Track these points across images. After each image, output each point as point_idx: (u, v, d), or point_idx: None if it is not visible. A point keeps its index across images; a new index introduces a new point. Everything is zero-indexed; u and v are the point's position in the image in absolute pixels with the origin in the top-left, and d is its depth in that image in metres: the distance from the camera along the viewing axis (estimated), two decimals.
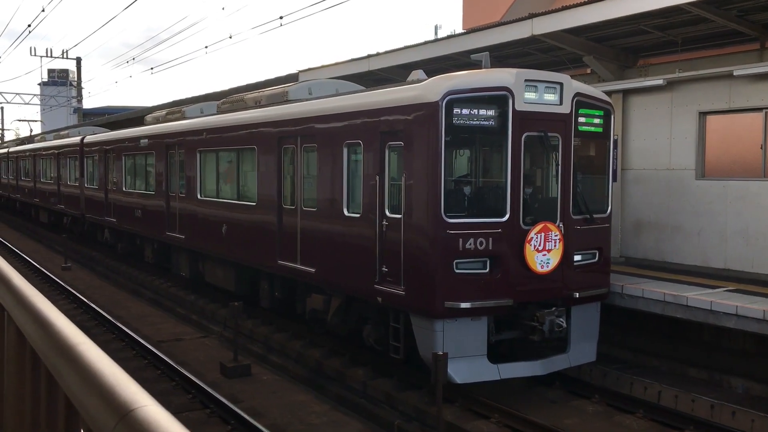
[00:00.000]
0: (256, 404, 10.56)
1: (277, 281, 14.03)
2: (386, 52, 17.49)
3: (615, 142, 11.65)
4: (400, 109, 10.14)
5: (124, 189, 21.82)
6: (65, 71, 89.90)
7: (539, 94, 10.06)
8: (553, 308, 10.18)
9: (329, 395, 11.29)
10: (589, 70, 15.16)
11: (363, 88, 13.61)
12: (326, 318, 12.30)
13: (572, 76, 10.95)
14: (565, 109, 10.30)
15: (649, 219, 13.88)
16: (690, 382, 11.06)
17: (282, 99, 14.22)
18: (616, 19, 12.38)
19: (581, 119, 10.58)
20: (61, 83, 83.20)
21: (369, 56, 18.06)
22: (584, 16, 12.75)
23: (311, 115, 12.29)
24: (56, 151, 30.03)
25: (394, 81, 15.20)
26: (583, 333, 10.74)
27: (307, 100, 13.27)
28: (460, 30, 28.10)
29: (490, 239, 9.72)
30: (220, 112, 16.86)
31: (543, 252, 9.98)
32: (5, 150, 44.21)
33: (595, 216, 10.74)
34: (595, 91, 11.17)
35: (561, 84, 10.26)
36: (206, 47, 29.67)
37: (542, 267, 9.99)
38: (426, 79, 10.32)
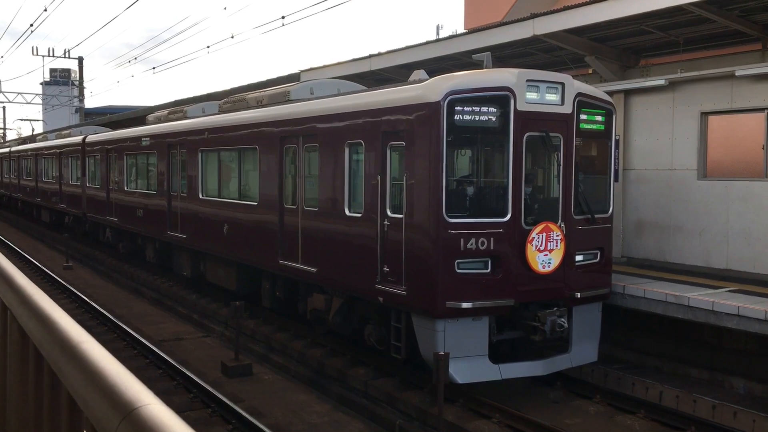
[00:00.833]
0: (257, 404, 10.57)
1: (278, 281, 14.04)
2: (388, 52, 17.48)
3: (617, 142, 11.64)
4: (401, 109, 10.14)
5: (125, 188, 21.83)
6: (67, 71, 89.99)
7: (541, 94, 10.05)
8: (555, 308, 10.18)
9: (330, 395, 11.29)
10: (590, 70, 15.15)
11: (365, 88, 13.61)
12: (327, 318, 12.30)
13: (574, 76, 10.94)
14: (567, 109, 10.29)
15: (651, 219, 13.87)
16: (691, 383, 11.06)
17: (284, 99, 14.22)
18: (617, 19, 12.36)
19: (583, 119, 10.57)
20: (63, 83, 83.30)
21: (371, 56, 18.06)
22: (586, 17, 12.74)
23: (313, 114, 12.29)
24: (58, 151, 30.04)
25: (395, 81, 15.20)
26: (585, 333, 10.73)
27: (308, 99, 13.27)
28: (461, 30, 28.09)
29: (492, 239, 9.71)
30: (221, 111, 16.87)
31: (544, 252, 9.97)
32: (7, 149, 44.24)
33: (596, 216, 10.74)
34: (597, 91, 11.16)
35: (563, 84, 10.26)
36: (208, 47, 29.69)
37: (544, 267, 9.98)
38: (427, 79, 10.32)
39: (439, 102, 9.44)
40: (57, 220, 32.05)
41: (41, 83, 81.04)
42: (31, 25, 32.21)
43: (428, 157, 9.56)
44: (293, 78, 20.56)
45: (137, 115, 32.56)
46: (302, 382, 11.94)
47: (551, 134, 10.19)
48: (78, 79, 49.47)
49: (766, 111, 12.14)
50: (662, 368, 11.81)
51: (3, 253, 3.65)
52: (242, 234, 14.74)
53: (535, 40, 13.87)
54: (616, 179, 11.88)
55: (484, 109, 9.70)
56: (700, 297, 10.47)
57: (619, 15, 12.22)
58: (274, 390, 11.39)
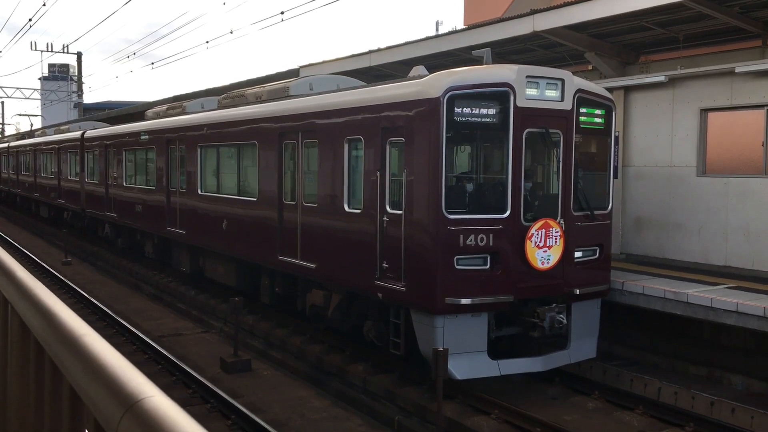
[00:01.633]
0: (256, 399, 10.57)
1: (277, 277, 14.04)
2: (387, 48, 17.46)
3: (616, 138, 11.64)
4: (401, 105, 10.13)
5: (124, 184, 21.81)
6: (66, 66, 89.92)
7: (541, 90, 10.05)
8: (554, 305, 10.19)
9: (329, 391, 11.30)
10: (590, 67, 15.15)
11: (364, 83, 13.60)
12: (327, 314, 12.31)
13: (574, 73, 10.93)
14: (567, 105, 10.29)
15: (650, 216, 13.88)
16: (690, 379, 11.08)
17: (283, 94, 14.21)
18: (617, 15, 12.36)
19: (583, 116, 10.57)
20: (61, 78, 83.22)
21: (370, 52, 18.04)
22: (586, 13, 12.73)
23: (312, 110, 12.28)
24: (57, 146, 30.01)
25: (395, 77, 15.18)
26: (584, 329, 10.74)
27: (308, 95, 13.26)
28: (461, 26, 28.08)
29: (491, 235, 9.71)
30: (220, 107, 16.85)
31: (544, 248, 9.98)
32: (6, 144, 44.19)
33: (596, 213, 10.74)
34: (597, 87, 11.16)
35: (562, 80, 10.25)
36: (207, 42, 29.57)
37: (543, 263, 9.99)
38: (427, 75, 10.31)
39: (438, 98, 9.43)
40: (56, 216, 32.03)
41: (40, 78, 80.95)
42: (30, 19, 32.13)
43: (428, 153, 9.56)
44: (292, 74, 20.54)
45: (136, 111, 32.52)
46: (301, 378, 11.95)
47: (551, 130, 10.19)
48: (77, 74, 49.39)
49: (765, 108, 12.14)
50: (661, 365, 11.83)
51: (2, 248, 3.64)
52: (241, 230, 14.74)
53: (534, 36, 13.86)
54: (615, 176, 11.88)
55: (484, 105, 9.69)
56: (698, 293, 10.48)
57: (619, 11, 12.22)
58: (273, 385, 11.40)
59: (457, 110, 9.51)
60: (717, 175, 12.88)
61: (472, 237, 9.62)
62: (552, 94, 10.16)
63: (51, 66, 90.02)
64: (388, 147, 10.39)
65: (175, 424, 1.32)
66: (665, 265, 13.15)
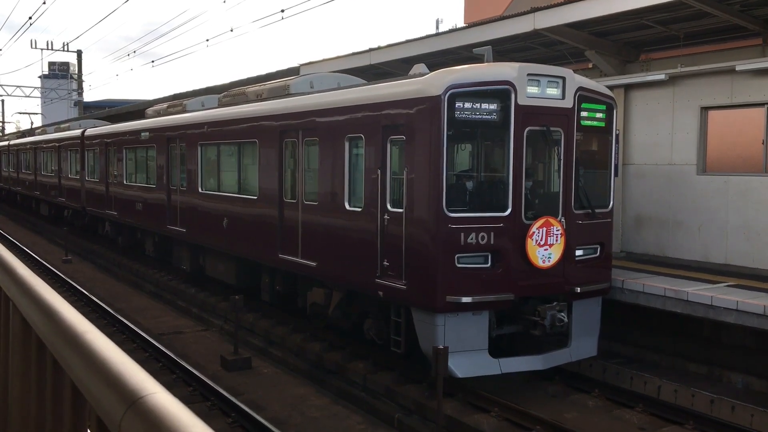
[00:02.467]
0: (256, 397, 10.58)
1: (278, 275, 14.04)
2: (388, 46, 17.46)
3: (617, 136, 11.64)
4: (402, 103, 10.12)
5: (125, 182, 21.81)
6: (66, 64, 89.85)
7: (542, 88, 10.04)
8: (555, 303, 10.19)
9: (330, 389, 11.30)
10: (591, 65, 15.14)
11: (365, 81, 13.60)
12: (327, 312, 12.31)
13: (574, 71, 10.92)
14: (568, 103, 10.28)
15: (650, 214, 13.88)
16: (690, 377, 11.08)
17: (283, 92, 14.20)
18: (618, 13, 12.35)
19: (583, 114, 10.56)
20: (61, 76, 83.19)
21: (370, 50, 18.03)
22: (586, 11, 12.73)
23: (313, 108, 12.28)
24: (57, 144, 30.01)
25: (395, 75, 15.16)
26: (584, 328, 10.74)
27: (308, 93, 13.25)
28: (461, 24, 28.05)
29: (492, 234, 9.71)
30: (221, 105, 16.84)
31: (544, 247, 9.98)
32: (6, 143, 44.17)
33: (596, 211, 10.74)
34: (598, 85, 11.15)
35: (563, 78, 10.24)
36: (207, 40, 29.55)
37: (544, 262, 9.99)
38: (428, 73, 10.30)
39: (439, 96, 9.42)
40: (56, 214, 32.03)
41: (40, 76, 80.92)
42: (30, 18, 32.12)
43: (429, 151, 9.55)
44: (293, 72, 20.53)
45: (136, 109, 32.51)
46: (301, 376, 11.95)
47: (552, 129, 10.18)
48: (77, 72, 49.37)
49: (766, 106, 12.14)
50: (661, 363, 11.84)
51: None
52: (242, 228, 14.74)
53: (535, 34, 13.85)
54: (616, 174, 11.88)
55: (485, 103, 9.69)
56: (698, 292, 10.48)
57: (620, 9, 12.21)
58: (273, 383, 11.41)
59: (458, 108, 9.51)
60: (717, 174, 12.88)
61: (473, 235, 9.61)
62: (553, 92, 10.15)
63: (51, 64, 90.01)
64: (388, 145, 10.38)
65: (178, 420, 1.32)
66: (665, 263, 13.15)
